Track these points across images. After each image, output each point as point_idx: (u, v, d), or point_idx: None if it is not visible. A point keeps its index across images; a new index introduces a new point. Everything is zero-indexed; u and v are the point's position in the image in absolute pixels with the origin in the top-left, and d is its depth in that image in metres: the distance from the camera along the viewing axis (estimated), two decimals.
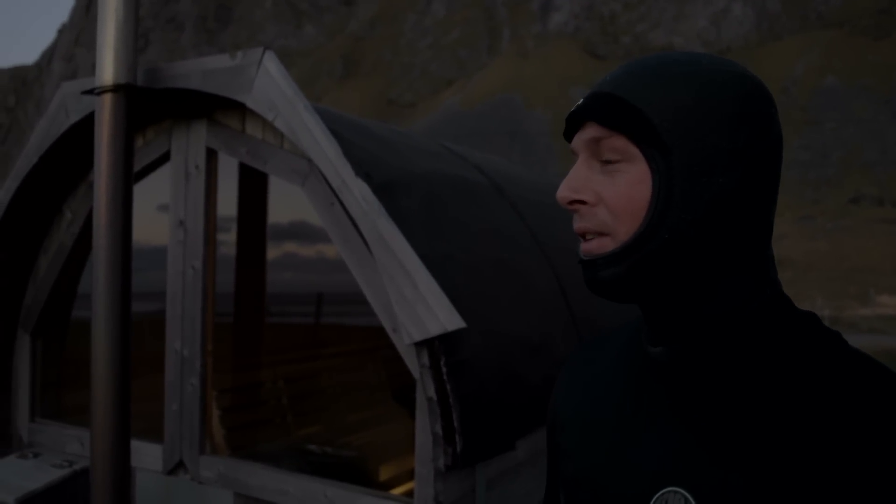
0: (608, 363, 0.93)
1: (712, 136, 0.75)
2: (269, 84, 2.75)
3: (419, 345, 2.51)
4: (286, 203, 5.22)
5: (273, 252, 5.82)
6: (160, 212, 3.46)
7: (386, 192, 2.67)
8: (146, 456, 3.30)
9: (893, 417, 0.67)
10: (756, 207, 0.78)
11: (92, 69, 2.88)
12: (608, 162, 0.79)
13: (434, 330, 2.40)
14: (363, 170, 2.62)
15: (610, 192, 0.78)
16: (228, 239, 4.99)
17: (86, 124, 3.23)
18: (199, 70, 2.94)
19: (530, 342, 3.02)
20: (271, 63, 2.77)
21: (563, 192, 0.81)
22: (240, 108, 3.04)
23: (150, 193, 3.45)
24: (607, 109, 0.78)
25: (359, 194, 2.55)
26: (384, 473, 4.09)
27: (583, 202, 0.80)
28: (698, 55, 0.81)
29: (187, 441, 3.20)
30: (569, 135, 0.85)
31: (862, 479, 0.66)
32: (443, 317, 2.39)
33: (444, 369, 2.47)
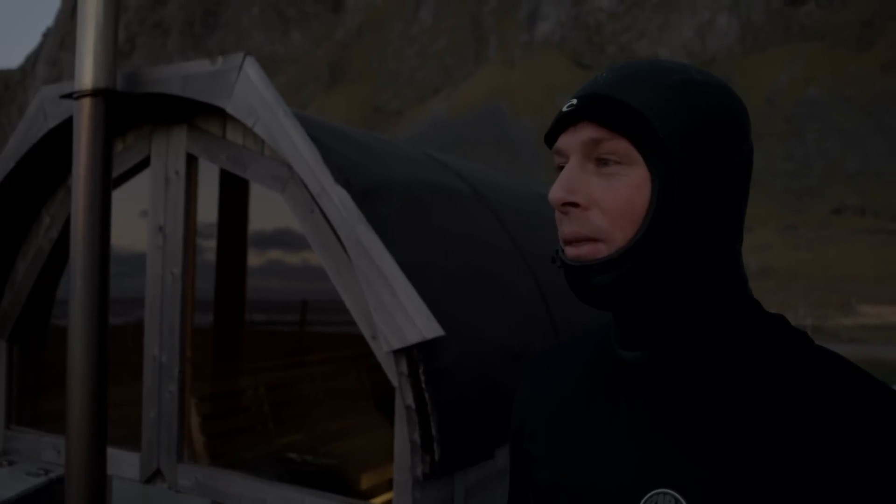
0: (577, 370, 0.93)
1: (706, 144, 0.77)
2: (249, 90, 2.74)
3: (398, 353, 2.50)
4: (269, 210, 5.20)
5: (257, 259, 5.80)
6: (140, 217, 3.43)
7: (366, 198, 2.66)
8: (123, 464, 3.27)
9: (866, 408, 0.70)
10: (734, 214, 0.80)
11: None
12: (605, 164, 0.78)
13: (412, 338, 2.39)
14: (343, 176, 2.61)
15: (609, 196, 0.77)
16: (209, 246, 4.96)
17: (65, 128, 3.21)
18: (179, 75, 2.92)
19: (510, 349, 3.02)
20: (252, 69, 2.76)
21: (558, 194, 0.79)
22: (220, 114, 3.02)
23: (130, 199, 3.42)
24: (609, 111, 0.78)
25: (338, 201, 2.54)
26: (366, 482, 4.07)
27: (575, 205, 0.79)
28: (684, 65, 0.83)
29: (165, 449, 3.17)
30: (552, 136, 0.84)
31: (845, 471, 0.68)
32: (421, 324, 2.38)
33: (422, 377, 2.46)
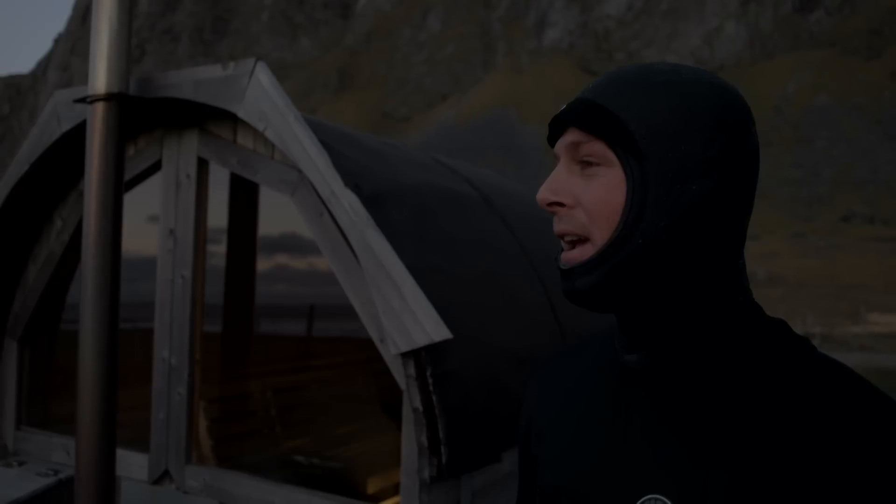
0: (583, 372, 0.94)
1: (687, 145, 0.77)
2: (260, 95, 2.77)
3: (406, 355, 2.51)
4: (277, 215, 5.23)
5: (265, 264, 5.82)
6: (150, 222, 3.46)
7: (375, 203, 2.68)
8: (132, 465, 3.29)
9: (862, 418, 0.70)
10: (730, 216, 0.80)
11: (87, 78, 2.91)
12: (587, 165, 0.81)
13: (420, 340, 2.41)
14: (353, 181, 2.63)
15: (587, 195, 0.80)
16: (218, 250, 4.99)
17: (78, 132, 3.24)
18: (192, 80, 2.95)
19: (517, 354, 3.03)
20: (263, 74, 2.78)
21: (543, 194, 0.83)
22: (231, 119, 3.05)
23: (141, 203, 3.45)
24: (587, 115, 0.81)
25: (348, 205, 2.56)
26: (372, 486, 4.08)
27: (561, 204, 0.82)
28: (680, 66, 0.83)
29: (173, 450, 3.19)
30: (553, 139, 0.88)
31: (838, 479, 0.68)
32: (429, 327, 2.39)
33: (430, 380, 2.47)
